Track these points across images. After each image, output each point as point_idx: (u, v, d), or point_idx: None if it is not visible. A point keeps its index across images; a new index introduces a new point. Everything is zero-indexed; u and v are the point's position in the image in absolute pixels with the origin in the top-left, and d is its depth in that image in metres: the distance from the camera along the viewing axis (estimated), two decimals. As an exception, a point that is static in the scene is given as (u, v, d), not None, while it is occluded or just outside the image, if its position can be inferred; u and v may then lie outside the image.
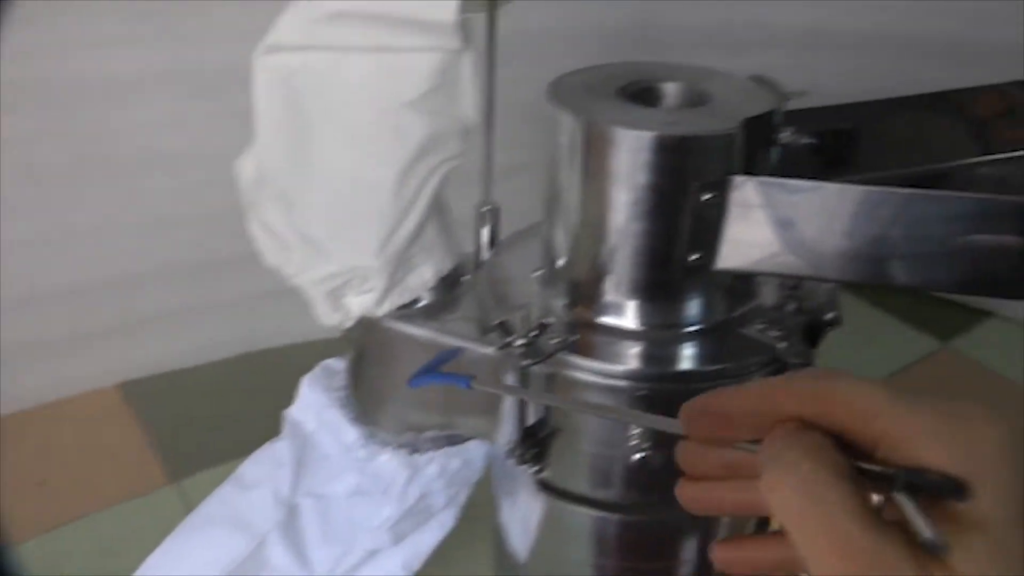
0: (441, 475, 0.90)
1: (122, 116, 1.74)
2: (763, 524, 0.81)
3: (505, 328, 0.70)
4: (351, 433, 0.88)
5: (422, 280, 0.81)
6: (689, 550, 0.82)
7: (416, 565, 0.97)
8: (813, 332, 0.78)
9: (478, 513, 0.98)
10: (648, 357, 0.73)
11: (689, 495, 0.51)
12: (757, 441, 0.45)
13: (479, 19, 0.76)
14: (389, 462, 0.88)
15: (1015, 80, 0.81)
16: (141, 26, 1.71)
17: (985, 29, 2.09)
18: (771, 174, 0.71)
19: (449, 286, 0.84)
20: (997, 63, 1.96)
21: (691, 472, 0.50)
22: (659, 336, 0.75)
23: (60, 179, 1.73)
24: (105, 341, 1.88)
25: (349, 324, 0.83)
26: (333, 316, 0.82)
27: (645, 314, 0.74)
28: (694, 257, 0.69)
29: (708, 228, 0.68)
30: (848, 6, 2.20)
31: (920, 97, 0.80)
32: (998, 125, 0.82)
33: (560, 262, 0.76)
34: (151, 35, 1.73)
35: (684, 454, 0.50)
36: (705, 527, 0.81)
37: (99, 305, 1.85)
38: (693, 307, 0.75)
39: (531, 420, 0.75)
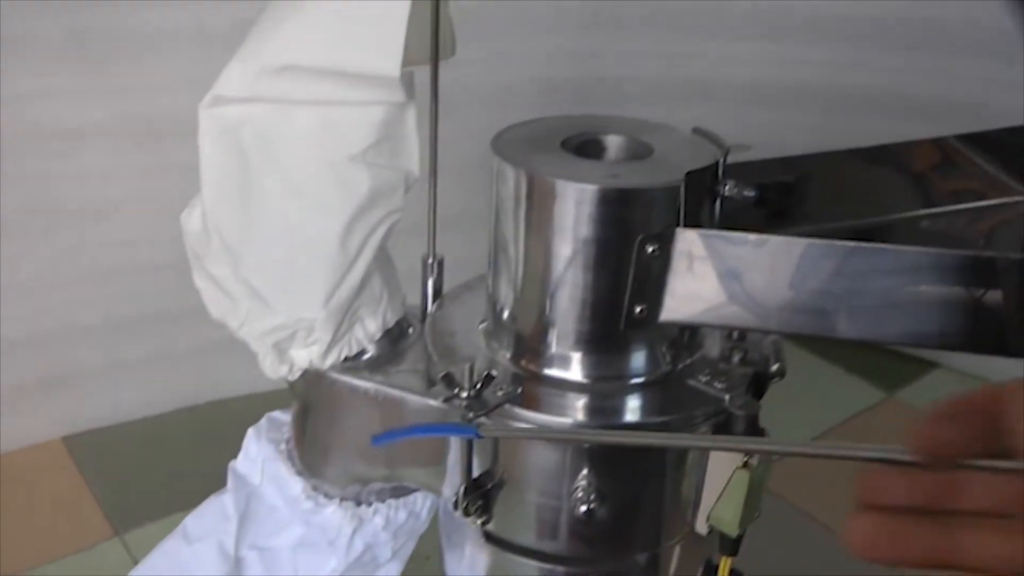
0: (387, 527, 0.89)
1: (65, 167, 1.74)
2: (710, 572, 0.81)
3: (450, 381, 0.70)
4: (296, 485, 0.88)
5: (367, 332, 0.81)
6: (635, 603, 0.82)
7: (362, 618, 0.97)
8: (758, 383, 0.78)
9: (424, 566, 0.98)
10: (593, 409, 0.73)
11: (874, 532, 0.43)
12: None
13: (423, 72, 0.76)
14: (334, 514, 0.87)
15: (952, 134, 0.82)
16: (84, 77, 1.71)
17: (918, 83, 2.13)
18: (714, 227, 0.72)
19: (395, 338, 0.84)
20: (932, 116, 2.00)
21: (877, 500, 0.43)
22: (605, 388, 0.75)
23: (2, 230, 1.72)
24: (48, 394, 1.86)
25: (295, 376, 0.82)
26: (279, 368, 0.82)
27: (590, 366, 0.74)
28: (638, 309, 0.69)
29: (652, 280, 0.69)
30: (785, 61, 2.24)
31: (860, 150, 0.81)
32: (937, 177, 0.83)
33: (505, 314, 0.77)
34: (94, 86, 1.73)
35: (874, 478, 0.43)
36: (651, 579, 0.81)
37: (42, 358, 1.84)
38: (638, 359, 0.75)
39: (477, 471, 0.75)
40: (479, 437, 0.69)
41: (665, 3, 2.20)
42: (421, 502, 0.91)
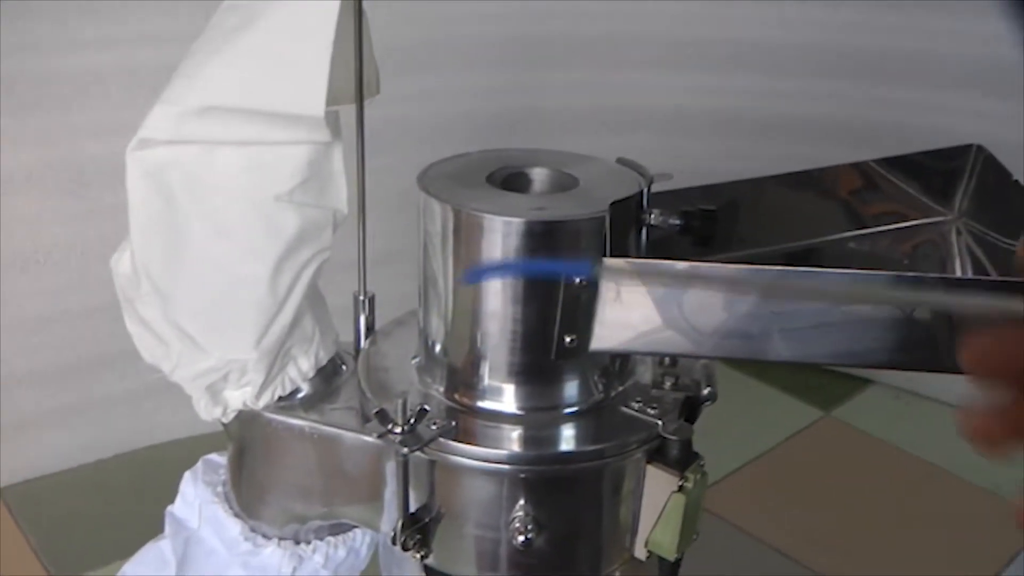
0: (327, 564, 0.89)
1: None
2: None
3: (383, 416, 0.70)
4: (234, 527, 0.87)
5: (300, 371, 0.81)
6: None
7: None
8: (691, 408, 0.79)
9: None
10: (528, 440, 0.74)
11: (984, 347, 0.42)
12: None
13: (348, 110, 0.76)
14: (273, 554, 0.87)
15: (872, 158, 0.84)
16: (10, 123, 1.70)
17: (839, 109, 2.17)
18: (642, 255, 0.73)
19: (328, 376, 0.84)
20: (854, 141, 2.04)
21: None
22: (539, 419, 0.75)
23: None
24: (-20, 445, 1.84)
25: (229, 418, 0.82)
26: (213, 410, 0.81)
27: (523, 397, 0.75)
28: (568, 340, 0.70)
29: (581, 310, 0.69)
30: (709, 90, 2.27)
31: (783, 176, 0.82)
32: (860, 200, 0.84)
33: (437, 348, 0.77)
34: (21, 132, 1.71)
35: (988, 349, 0.42)
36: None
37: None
38: (571, 388, 0.76)
39: (414, 506, 0.75)
40: (589, 279, 0.66)
41: (590, 35, 2.22)
42: (360, 539, 0.90)
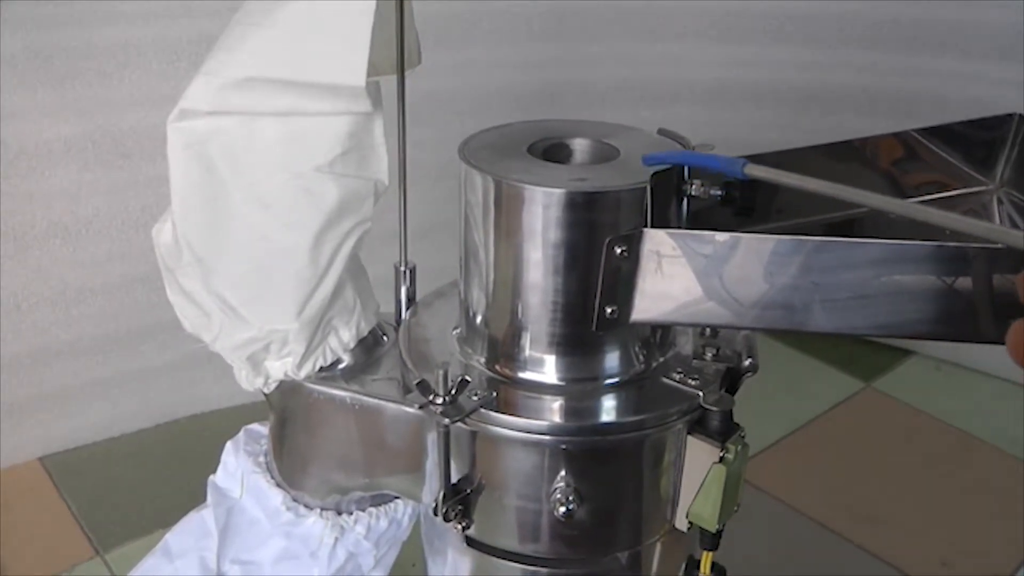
0: (368, 535, 0.89)
1: (32, 186, 1.73)
2: (692, 568, 0.82)
3: (425, 387, 0.71)
4: (276, 497, 0.88)
5: (341, 342, 0.81)
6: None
7: (347, 627, 0.97)
8: (732, 379, 0.79)
9: (410, 573, 0.98)
10: (569, 411, 0.74)
11: None
12: None
13: (389, 81, 0.76)
14: (315, 524, 0.87)
15: (912, 128, 0.83)
16: (50, 96, 1.70)
17: (880, 80, 2.15)
18: (683, 226, 0.72)
19: (369, 347, 0.84)
20: (895, 111, 2.02)
21: None
22: (580, 389, 0.75)
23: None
24: (24, 415, 1.85)
25: (270, 388, 0.83)
26: (255, 380, 0.82)
27: (564, 368, 0.75)
28: (610, 310, 0.70)
29: (622, 281, 0.69)
30: (748, 62, 2.25)
31: (824, 146, 0.81)
32: (902, 171, 0.83)
33: (478, 320, 0.77)
34: (60, 104, 1.72)
35: None
36: (634, 578, 0.82)
37: (16, 379, 1.83)
38: (612, 359, 0.76)
39: (455, 477, 0.75)
40: (744, 177, 0.65)
41: (629, 7, 2.21)
42: (402, 510, 0.91)
